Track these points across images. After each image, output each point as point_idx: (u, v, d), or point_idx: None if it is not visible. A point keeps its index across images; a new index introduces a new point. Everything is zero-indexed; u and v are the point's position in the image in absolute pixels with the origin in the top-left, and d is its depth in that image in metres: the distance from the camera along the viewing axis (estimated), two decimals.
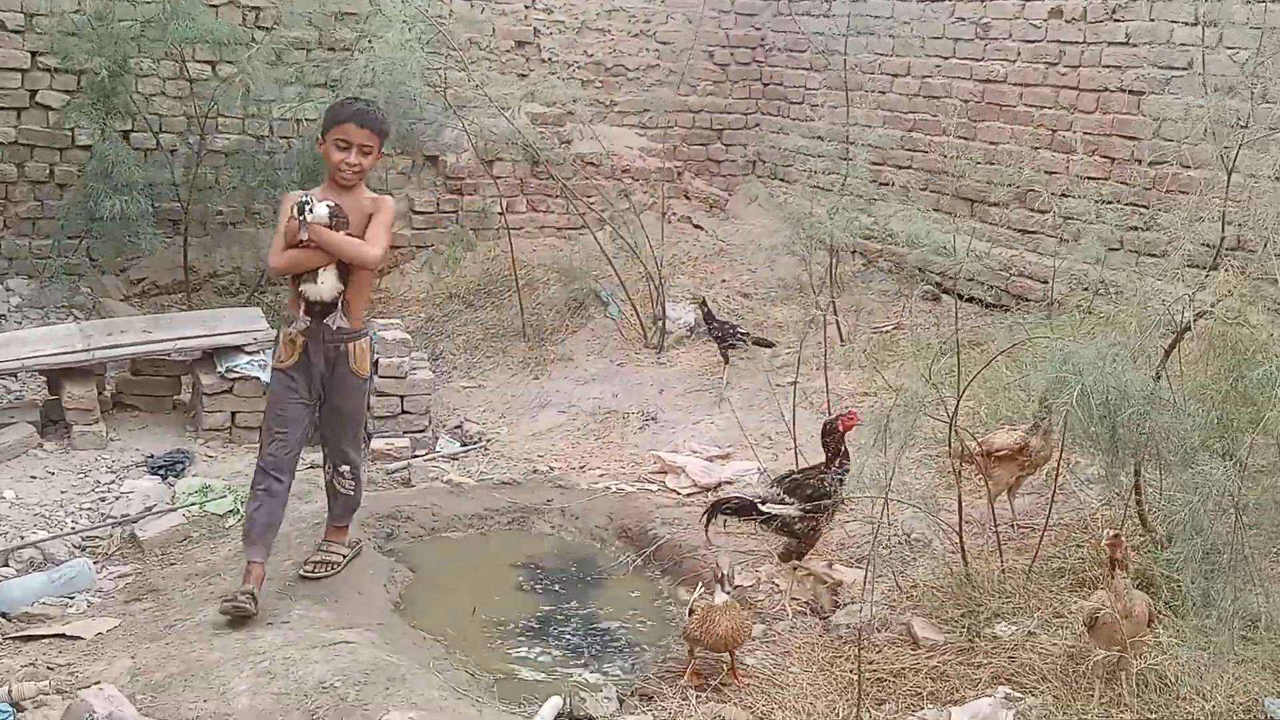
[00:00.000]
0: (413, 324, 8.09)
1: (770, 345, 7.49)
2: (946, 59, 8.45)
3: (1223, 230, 4.52)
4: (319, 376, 4.73)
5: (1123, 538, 3.98)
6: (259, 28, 8.57)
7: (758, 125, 10.33)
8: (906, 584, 4.81)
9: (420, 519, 5.73)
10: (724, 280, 8.82)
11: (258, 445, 4.84)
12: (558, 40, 9.77)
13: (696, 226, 9.64)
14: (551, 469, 6.41)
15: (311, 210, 4.47)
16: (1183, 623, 4.11)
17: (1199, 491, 3.76)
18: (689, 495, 5.96)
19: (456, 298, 8.66)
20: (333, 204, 4.56)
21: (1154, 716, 3.80)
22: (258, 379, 6.54)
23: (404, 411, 6.75)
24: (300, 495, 5.77)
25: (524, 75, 9.63)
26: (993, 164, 8.02)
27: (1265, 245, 4.25)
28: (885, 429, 4.60)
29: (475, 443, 6.78)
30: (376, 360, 6.46)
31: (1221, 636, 3.88)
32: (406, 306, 8.52)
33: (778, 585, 4.95)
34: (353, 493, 5.00)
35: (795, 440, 5.85)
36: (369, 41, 7.55)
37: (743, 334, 7.37)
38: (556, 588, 5.23)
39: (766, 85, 10.36)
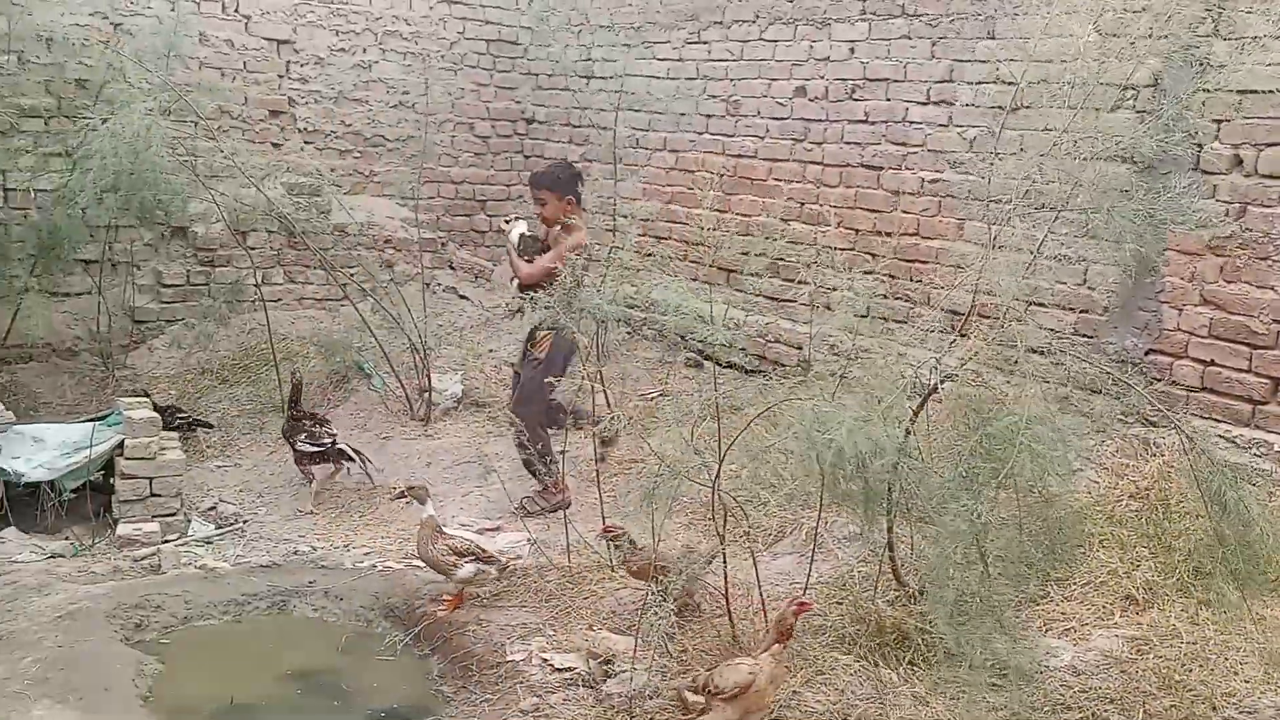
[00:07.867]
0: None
1: (209, 426, 7.55)
2: (700, 134, 8.75)
3: (974, 299, 4.70)
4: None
5: (811, 603, 4.22)
6: None
7: (520, 197, 10.40)
8: (676, 649, 4.84)
9: (171, 608, 5.41)
10: (491, 350, 8.79)
11: None
12: (314, 110, 9.63)
13: (462, 297, 9.59)
14: (314, 549, 6.18)
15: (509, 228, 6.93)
16: (935, 674, 4.29)
17: (946, 543, 3.93)
18: None
19: (210, 374, 8.33)
20: (527, 232, 6.90)
21: None
22: None
23: (153, 494, 6.39)
24: (39, 588, 5.39)
25: (278, 145, 9.45)
26: (747, 235, 8.31)
27: (1005, 313, 4.47)
28: (652, 494, 4.66)
29: (231, 525, 6.49)
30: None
31: (972, 686, 4.05)
32: (155, 384, 8.12)
33: None
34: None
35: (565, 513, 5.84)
36: (111, 110, 7.26)
37: (183, 417, 7.37)
38: (320, 672, 5.03)
39: (528, 158, 10.46)
